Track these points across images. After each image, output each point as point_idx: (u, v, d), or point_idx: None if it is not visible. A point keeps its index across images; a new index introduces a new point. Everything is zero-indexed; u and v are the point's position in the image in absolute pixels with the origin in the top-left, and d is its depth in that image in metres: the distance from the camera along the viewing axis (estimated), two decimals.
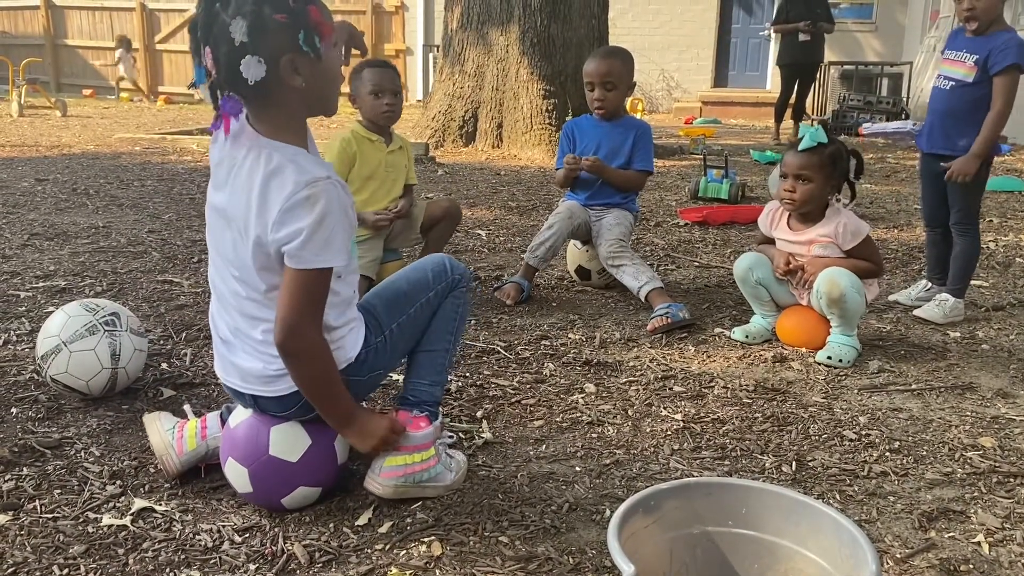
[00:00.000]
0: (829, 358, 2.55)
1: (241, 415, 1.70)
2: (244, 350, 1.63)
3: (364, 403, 1.81)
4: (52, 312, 2.28)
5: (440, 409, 1.93)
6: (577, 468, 1.90)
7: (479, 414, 2.17)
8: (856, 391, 2.37)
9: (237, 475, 1.67)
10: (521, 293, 3.16)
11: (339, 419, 1.64)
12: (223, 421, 1.80)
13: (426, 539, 1.60)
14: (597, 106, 3.21)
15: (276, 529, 1.62)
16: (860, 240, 2.61)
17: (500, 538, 1.61)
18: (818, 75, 10.11)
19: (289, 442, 1.65)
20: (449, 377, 1.94)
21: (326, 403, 1.62)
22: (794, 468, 1.91)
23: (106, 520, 1.64)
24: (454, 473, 1.78)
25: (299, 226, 1.47)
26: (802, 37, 8.51)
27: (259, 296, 1.58)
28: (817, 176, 2.57)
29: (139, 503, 1.70)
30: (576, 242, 3.37)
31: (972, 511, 1.73)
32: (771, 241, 2.80)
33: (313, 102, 1.58)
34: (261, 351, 1.61)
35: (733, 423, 2.14)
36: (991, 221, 4.80)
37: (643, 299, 3.01)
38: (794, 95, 8.85)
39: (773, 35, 11.00)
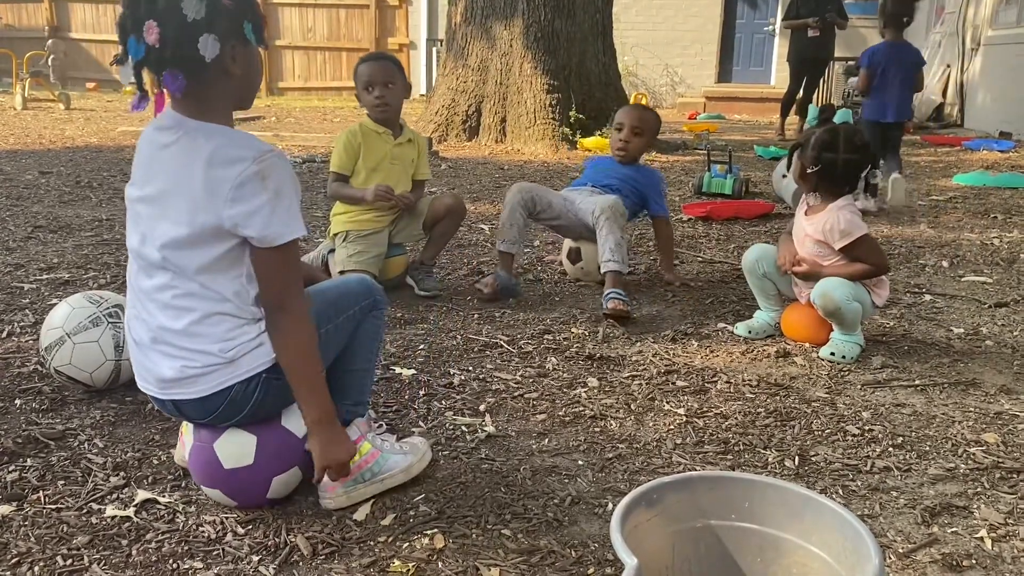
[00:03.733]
0: (832, 354, 2.54)
1: (188, 443, 1.67)
2: (161, 351, 1.57)
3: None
4: (56, 304, 2.28)
5: (368, 408, 1.86)
6: (580, 462, 1.90)
7: (482, 408, 2.17)
8: (859, 386, 2.37)
9: (214, 495, 1.67)
10: (497, 283, 3.12)
11: (318, 410, 1.58)
12: None
13: (429, 532, 1.60)
14: (619, 147, 3.35)
15: (279, 521, 1.63)
16: (851, 240, 2.54)
17: (503, 531, 1.61)
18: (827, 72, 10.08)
19: (237, 449, 1.62)
20: (370, 399, 1.89)
21: (305, 388, 1.56)
22: (797, 463, 1.91)
23: (109, 511, 1.64)
24: (410, 456, 1.76)
25: (255, 203, 1.47)
26: (811, 33, 8.47)
27: (189, 283, 1.53)
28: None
29: (142, 494, 1.70)
30: (567, 259, 3.42)
31: (975, 506, 1.73)
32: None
33: (241, 92, 1.59)
34: (181, 347, 1.55)
35: (736, 418, 2.14)
36: (995, 218, 4.79)
37: (600, 272, 3.04)
38: (802, 91, 8.83)
39: (780, 30, 10.96)
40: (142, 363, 1.62)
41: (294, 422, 1.68)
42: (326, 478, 1.65)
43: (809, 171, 2.60)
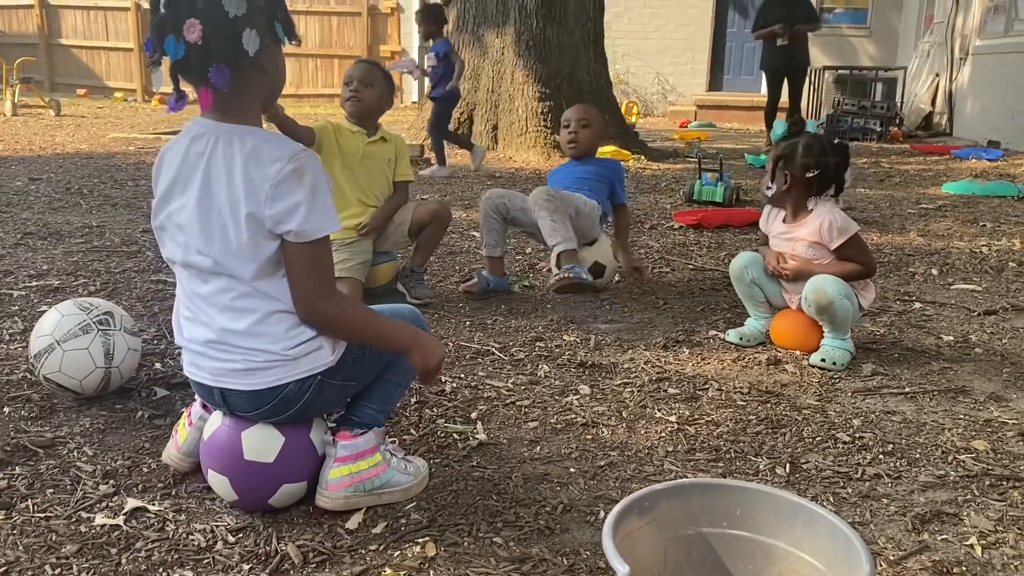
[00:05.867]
0: (823, 360, 2.55)
1: (213, 425, 1.68)
2: (221, 348, 1.59)
3: (325, 416, 1.80)
4: (45, 311, 2.27)
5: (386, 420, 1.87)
6: (571, 469, 1.90)
7: (474, 415, 2.17)
8: (850, 394, 2.37)
9: (220, 484, 1.66)
10: (482, 285, 3.26)
11: (403, 345, 1.65)
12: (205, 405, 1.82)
13: (420, 540, 1.60)
14: (569, 140, 3.40)
15: (270, 529, 1.62)
16: (846, 238, 2.57)
17: (494, 539, 1.61)
18: (810, 78, 10.12)
19: (262, 444, 1.63)
20: (392, 416, 1.92)
21: (382, 342, 1.66)
22: (788, 470, 1.91)
23: (99, 520, 1.63)
24: (411, 477, 1.76)
25: (295, 200, 1.49)
26: (780, 42, 8.46)
27: (245, 287, 1.55)
28: (770, 168, 2.67)
29: (132, 503, 1.69)
30: (555, 266, 3.42)
31: (965, 514, 1.74)
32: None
33: (270, 91, 1.64)
34: (243, 346, 1.57)
35: (727, 425, 2.15)
36: (984, 226, 4.82)
37: (553, 257, 3.05)
38: (787, 100, 8.86)
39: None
40: (201, 356, 1.63)
41: (318, 439, 1.70)
42: (328, 476, 1.67)
43: (809, 175, 2.59)
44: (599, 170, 3.40)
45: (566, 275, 2.93)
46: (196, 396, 1.82)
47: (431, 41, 6.73)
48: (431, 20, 6.74)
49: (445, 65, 6.61)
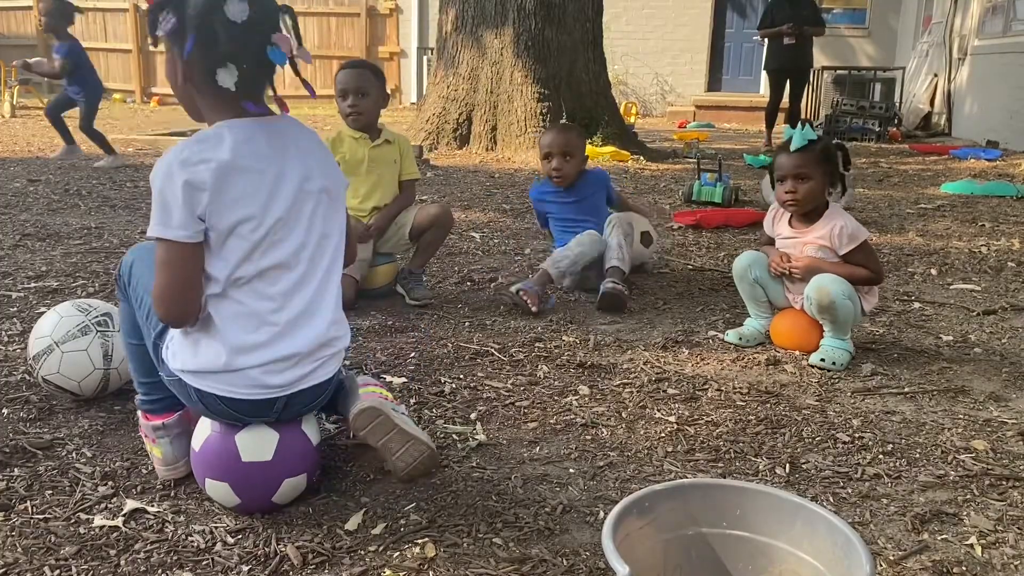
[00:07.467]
0: (822, 360, 2.55)
1: (202, 433, 1.67)
2: (329, 345, 1.69)
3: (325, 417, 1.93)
4: (44, 312, 2.27)
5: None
6: (571, 470, 1.90)
7: (473, 416, 2.17)
8: (849, 394, 2.37)
9: (220, 491, 1.66)
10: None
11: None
12: (140, 408, 1.82)
13: (419, 540, 1.59)
14: (556, 176, 3.35)
15: (269, 530, 1.62)
16: (856, 244, 2.57)
17: (494, 540, 1.60)
18: (810, 80, 10.14)
19: (258, 443, 1.64)
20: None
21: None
22: (788, 470, 1.91)
23: (98, 521, 1.63)
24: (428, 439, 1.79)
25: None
26: (787, 41, 8.46)
27: (337, 269, 1.72)
28: (815, 172, 2.58)
29: (131, 504, 1.69)
30: None
31: (965, 513, 1.74)
32: (773, 242, 2.81)
33: None
34: (340, 336, 1.72)
35: (727, 425, 2.15)
36: (983, 226, 4.82)
37: (607, 267, 3.16)
38: (787, 101, 8.86)
39: (760, 40, 11.01)
40: (285, 367, 1.62)
41: (311, 428, 1.72)
42: (359, 394, 1.74)
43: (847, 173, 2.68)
44: (592, 187, 3.39)
45: (620, 287, 3.07)
46: (143, 414, 1.81)
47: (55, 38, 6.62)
48: (58, 15, 6.56)
49: (75, 63, 6.55)
